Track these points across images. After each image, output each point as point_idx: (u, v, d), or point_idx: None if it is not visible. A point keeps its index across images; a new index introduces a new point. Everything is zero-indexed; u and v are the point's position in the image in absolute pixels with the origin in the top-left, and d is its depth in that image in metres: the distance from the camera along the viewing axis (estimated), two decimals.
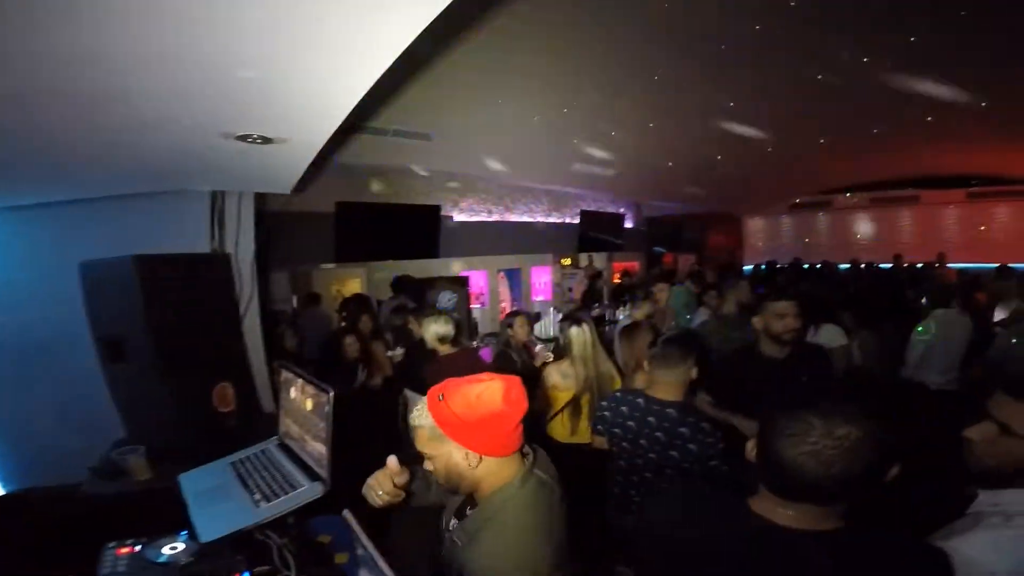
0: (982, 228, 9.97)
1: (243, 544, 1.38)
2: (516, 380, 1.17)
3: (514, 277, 8.50)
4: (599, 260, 9.93)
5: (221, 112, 1.66)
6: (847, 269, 8.08)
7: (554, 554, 1.11)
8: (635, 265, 10.76)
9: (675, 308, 5.45)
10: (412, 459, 1.29)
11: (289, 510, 1.45)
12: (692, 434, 1.86)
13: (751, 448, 0.99)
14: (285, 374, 1.89)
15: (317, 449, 1.58)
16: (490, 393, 1.12)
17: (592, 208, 9.83)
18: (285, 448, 1.81)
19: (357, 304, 5.42)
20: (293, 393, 1.80)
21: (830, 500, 0.90)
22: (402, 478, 1.27)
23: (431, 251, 6.44)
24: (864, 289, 6.72)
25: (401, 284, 5.46)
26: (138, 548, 1.40)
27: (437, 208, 6.45)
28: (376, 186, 6.54)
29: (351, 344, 4.07)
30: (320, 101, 1.67)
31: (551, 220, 9.28)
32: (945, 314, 3.91)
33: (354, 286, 7.34)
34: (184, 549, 1.37)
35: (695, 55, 4.67)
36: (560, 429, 2.97)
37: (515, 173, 7.56)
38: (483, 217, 7.83)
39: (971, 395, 3.69)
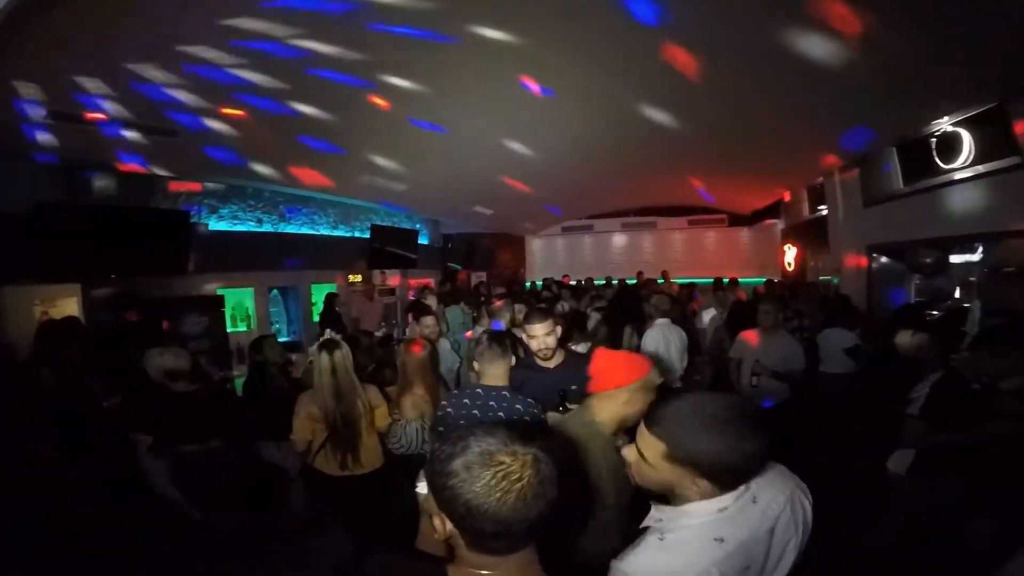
0: (699, 249, 12.59)
1: None
2: None
3: (291, 295, 7.77)
4: (392, 276, 9.78)
5: None
6: (602, 284, 9.44)
7: None
8: (430, 282, 10.87)
9: (450, 326, 5.69)
10: None
11: None
12: (525, 408, 2.24)
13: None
14: None
15: None
16: None
17: (385, 223, 9.64)
18: None
19: (61, 330, 4.35)
20: None
21: (526, 543, 0.85)
22: None
23: (177, 265, 5.47)
24: (613, 302, 7.88)
25: (121, 304, 4.50)
26: None
27: (185, 214, 5.51)
28: (102, 185, 5.34)
29: (48, 378, 3.45)
30: None
31: (337, 233, 8.80)
32: (665, 323, 4.66)
33: (69, 307, 5.88)
34: None
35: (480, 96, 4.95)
36: (326, 462, 2.74)
37: (290, 181, 6.95)
38: (250, 227, 7.00)
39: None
